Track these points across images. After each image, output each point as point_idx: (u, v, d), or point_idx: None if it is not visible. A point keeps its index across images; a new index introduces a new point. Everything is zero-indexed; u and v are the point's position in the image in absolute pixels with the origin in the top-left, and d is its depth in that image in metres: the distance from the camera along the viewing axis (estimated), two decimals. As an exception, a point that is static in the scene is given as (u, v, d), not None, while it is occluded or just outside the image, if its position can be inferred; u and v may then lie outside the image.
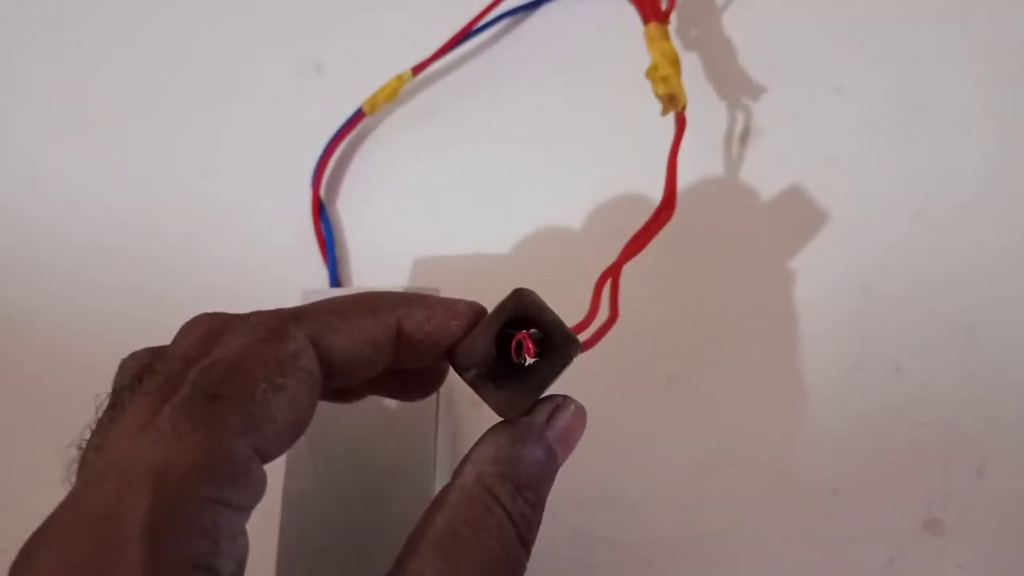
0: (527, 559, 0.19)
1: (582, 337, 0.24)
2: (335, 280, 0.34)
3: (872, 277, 0.33)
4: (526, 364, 0.19)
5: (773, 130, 0.36)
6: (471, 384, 0.20)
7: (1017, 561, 0.29)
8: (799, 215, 0.34)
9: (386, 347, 0.19)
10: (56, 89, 0.42)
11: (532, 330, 0.19)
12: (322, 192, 0.37)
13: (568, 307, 0.33)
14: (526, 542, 0.19)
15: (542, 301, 0.20)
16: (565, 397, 0.21)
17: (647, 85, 0.37)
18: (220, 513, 0.15)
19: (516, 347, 0.19)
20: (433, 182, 0.37)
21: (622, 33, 0.39)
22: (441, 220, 0.36)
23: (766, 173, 0.35)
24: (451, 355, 0.19)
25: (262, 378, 0.16)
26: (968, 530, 0.29)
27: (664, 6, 0.36)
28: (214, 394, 0.16)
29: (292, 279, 0.34)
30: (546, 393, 0.20)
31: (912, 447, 0.30)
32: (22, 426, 0.35)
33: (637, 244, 0.30)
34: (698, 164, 0.36)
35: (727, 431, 0.31)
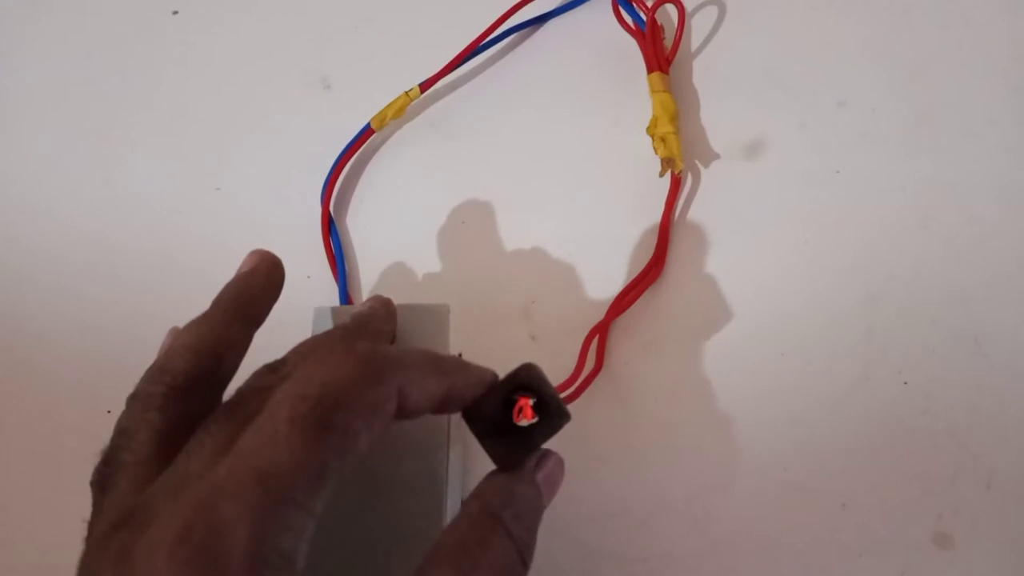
0: (527, 574, 0.22)
1: (569, 391, 0.30)
2: (345, 294, 0.34)
3: (879, 289, 0.33)
4: (523, 426, 0.23)
5: (778, 144, 0.36)
6: (477, 436, 0.23)
7: (1027, 575, 0.29)
8: (805, 228, 0.34)
9: (438, 403, 0.22)
10: (70, 105, 0.42)
11: (532, 400, 0.23)
12: (331, 208, 0.37)
13: (573, 313, 0.33)
14: (525, 562, 0.22)
15: (544, 376, 0.23)
16: (548, 450, 0.24)
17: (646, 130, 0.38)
18: (306, 517, 0.18)
19: (518, 411, 0.23)
20: (441, 197, 0.37)
21: (627, 48, 0.39)
22: (449, 235, 0.36)
23: (772, 185, 0.35)
24: (466, 411, 0.23)
25: (362, 415, 0.19)
26: (977, 543, 0.29)
27: (668, 52, 0.37)
28: (326, 424, 0.18)
29: (302, 294, 0.34)
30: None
31: (920, 460, 0.30)
32: (37, 436, 0.35)
33: (624, 302, 0.33)
34: (705, 176, 0.36)
35: (735, 445, 0.31)
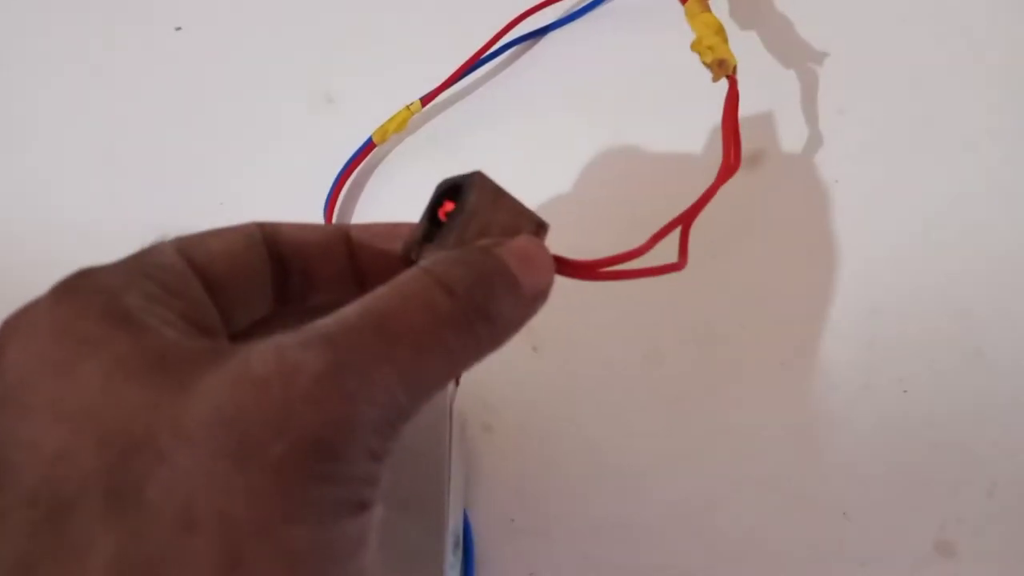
0: (473, 333, 0.17)
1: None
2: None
3: (879, 298, 0.33)
4: (446, 218, 0.20)
5: (778, 153, 0.36)
6: (415, 259, 0.20)
7: (1030, 583, 0.29)
8: (805, 238, 0.35)
9: (335, 245, 0.20)
10: (72, 120, 0.42)
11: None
12: (334, 221, 0.37)
13: (576, 320, 0.33)
14: (467, 310, 0.17)
15: (467, 175, 0.20)
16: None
17: (655, 109, 0.38)
18: (152, 296, 0.18)
19: (443, 213, 0.20)
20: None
21: (627, 59, 0.39)
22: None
23: (771, 196, 0.36)
24: (403, 250, 0.20)
25: (192, 240, 0.19)
26: (980, 552, 0.29)
27: None
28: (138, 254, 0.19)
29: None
30: None
31: (922, 468, 0.30)
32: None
33: (707, 195, 0.29)
34: (702, 187, 0.36)
35: (737, 455, 0.31)
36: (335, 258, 0.20)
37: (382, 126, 0.38)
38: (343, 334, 0.16)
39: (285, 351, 0.15)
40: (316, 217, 0.37)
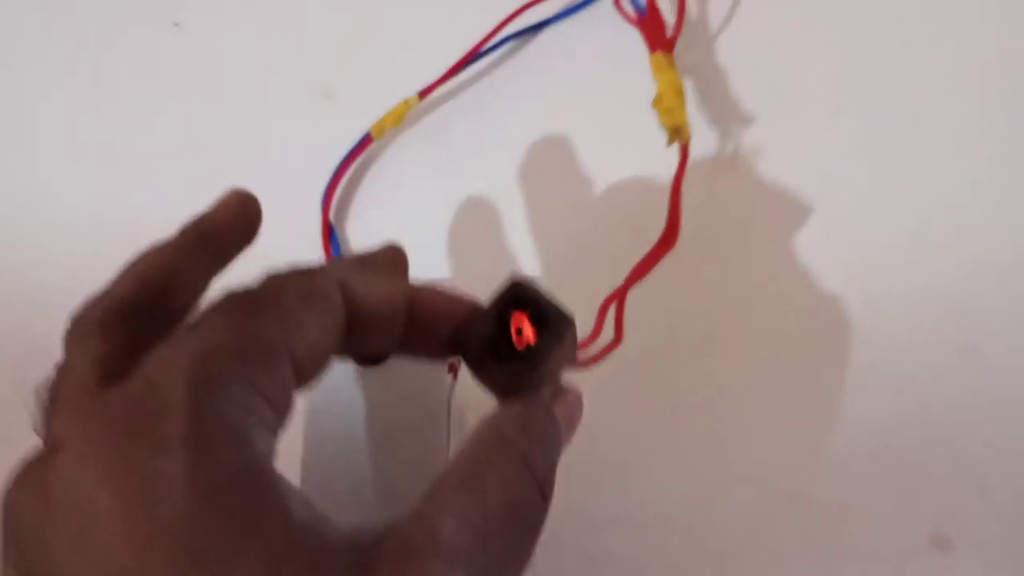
0: (546, 513, 0.19)
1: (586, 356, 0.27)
2: (344, 302, 0.34)
3: (874, 297, 0.33)
4: (524, 345, 0.20)
5: (772, 152, 0.36)
6: (473, 367, 0.20)
7: (1027, 577, 0.29)
8: (799, 237, 0.34)
9: (400, 311, 0.20)
10: (70, 118, 0.42)
11: (529, 314, 0.20)
12: (332, 216, 0.37)
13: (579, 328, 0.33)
14: (545, 496, 0.19)
15: (537, 286, 0.21)
16: (564, 385, 0.22)
17: (640, 104, 0.38)
18: (252, 393, 0.16)
19: (516, 330, 0.20)
20: (441, 205, 0.37)
21: (625, 54, 0.39)
22: (449, 242, 0.36)
23: (765, 195, 0.35)
24: (457, 337, 0.21)
25: (294, 295, 0.18)
26: (976, 546, 0.29)
27: (669, 34, 0.37)
28: (257, 306, 0.17)
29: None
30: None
31: (917, 465, 0.30)
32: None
33: (640, 271, 0.32)
34: (698, 186, 0.36)
35: (734, 452, 0.31)
36: (397, 320, 0.20)
37: (379, 120, 0.38)
38: (474, 554, 0.17)
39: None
40: (313, 211, 0.37)
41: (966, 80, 0.36)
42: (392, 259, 0.22)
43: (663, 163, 0.36)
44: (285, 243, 0.37)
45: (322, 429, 0.30)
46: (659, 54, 0.36)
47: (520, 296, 0.21)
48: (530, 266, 0.36)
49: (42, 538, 0.15)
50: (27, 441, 0.34)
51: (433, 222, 0.37)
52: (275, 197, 0.38)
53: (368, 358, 0.22)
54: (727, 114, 0.37)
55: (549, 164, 0.38)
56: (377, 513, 0.26)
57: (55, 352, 0.18)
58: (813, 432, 0.31)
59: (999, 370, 0.31)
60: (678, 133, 0.34)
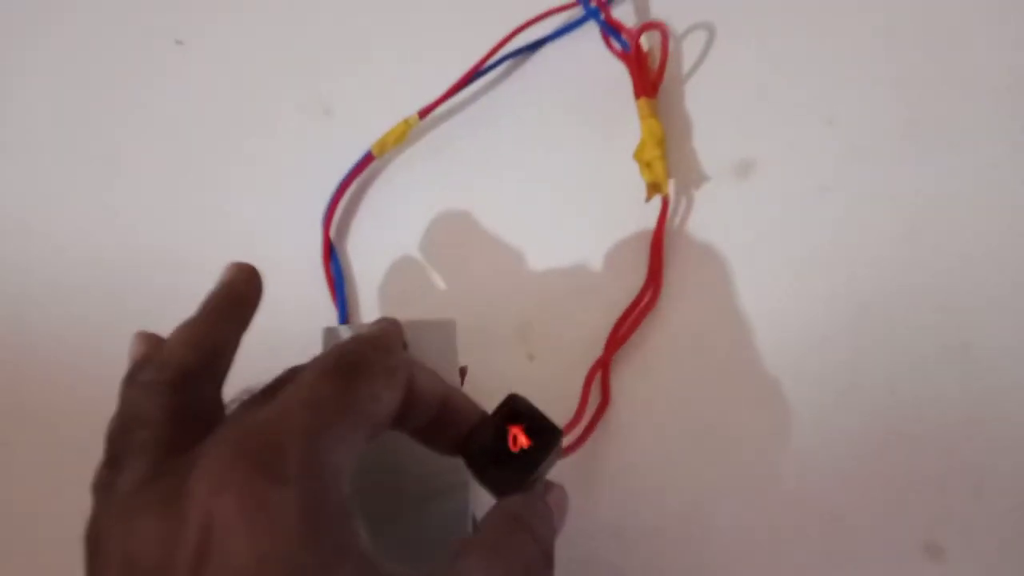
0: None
1: (577, 432, 0.31)
2: (344, 319, 0.35)
3: (867, 300, 0.33)
4: (520, 452, 0.24)
5: (767, 161, 0.37)
6: (477, 472, 0.24)
7: (1017, 583, 0.29)
8: (795, 242, 0.35)
9: (437, 405, 0.24)
10: (73, 133, 0.43)
11: (524, 425, 0.24)
12: (332, 233, 0.38)
13: (571, 333, 0.34)
14: (550, 560, 0.23)
15: (529, 402, 0.25)
16: (551, 482, 0.25)
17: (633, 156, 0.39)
18: (345, 444, 0.20)
19: (512, 439, 0.24)
20: (440, 222, 0.38)
21: (620, 72, 0.40)
22: (448, 259, 0.37)
23: (761, 203, 0.36)
24: (463, 449, 0.24)
25: (381, 375, 0.21)
26: (968, 552, 0.30)
27: (652, 77, 0.38)
28: (352, 373, 0.21)
29: (303, 319, 0.35)
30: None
31: (910, 469, 0.31)
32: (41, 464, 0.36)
33: (621, 335, 0.34)
34: (696, 193, 0.37)
35: (728, 459, 0.32)
36: (432, 411, 0.24)
37: (381, 139, 0.38)
38: None
39: None
40: (314, 228, 0.38)
41: (957, 85, 0.37)
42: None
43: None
44: (287, 260, 0.38)
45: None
46: (643, 100, 0.38)
47: (516, 410, 0.24)
48: (529, 279, 0.36)
49: (166, 543, 0.18)
50: (28, 441, 0.34)
51: (433, 239, 0.37)
52: (277, 215, 0.39)
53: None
54: (720, 124, 0.38)
55: (547, 181, 0.38)
56: (400, 524, 0.27)
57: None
58: (806, 437, 0.32)
59: (993, 371, 0.32)
60: (657, 188, 0.36)
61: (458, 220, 0.38)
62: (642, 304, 0.34)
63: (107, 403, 0.22)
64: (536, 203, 0.38)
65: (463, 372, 0.30)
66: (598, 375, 0.33)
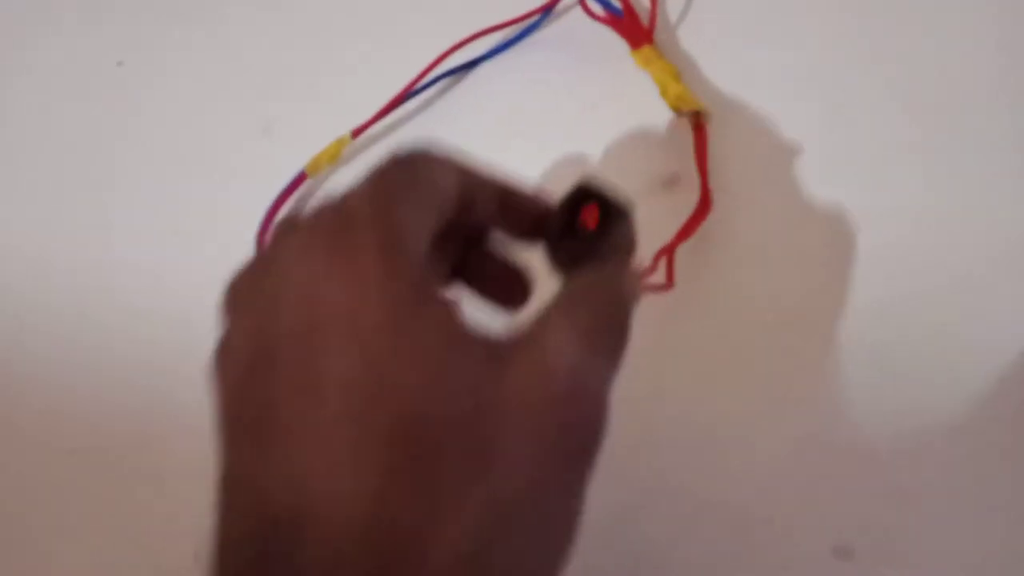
0: (630, 324, 0.23)
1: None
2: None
3: (788, 314, 0.34)
4: (591, 231, 0.25)
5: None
6: (549, 248, 0.25)
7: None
8: (724, 254, 0.36)
9: (493, 201, 0.25)
10: (15, 148, 0.44)
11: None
12: (267, 252, 0.38)
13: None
14: (628, 313, 0.23)
15: (600, 184, 0.25)
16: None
17: (586, 137, 0.39)
18: (420, 226, 0.21)
19: (585, 221, 0.25)
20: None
21: (556, 89, 0.41)
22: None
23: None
24: (536, 227, 0.25)
25: (433, 158, 0.23)
26: (878, 556, 0.30)
27: (646, 24, 0.39)
28: (416, 165, 0.23)
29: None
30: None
31: (822, 474, 0.31)
32: None
33: (687, 232, 0.34)
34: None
35: (655, 467, 0.32)
36: (491, 208, 0.25)
37: (315, 158, 0.39)
38: (584, 335, 0.21)
39: (573, 360, 0.20)
40: (248, 246, 0.38)
41: (888, 100, 0.38)
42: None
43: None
44: (219, 277, 0.38)
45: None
46: (645, 48, 0.38)
47: (586, 192, 0.25)
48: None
49: (274, 295, 0.20)
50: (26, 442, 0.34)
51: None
52: (212, 231, 0.39)
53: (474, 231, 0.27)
54: (654, 137, 0.39)
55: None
56: None
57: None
58: (723, 444, 0.32)
59: (906, 377, 0.33)
60: (698, 116, 0.37)
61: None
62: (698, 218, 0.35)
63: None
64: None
65: None
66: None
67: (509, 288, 0.27)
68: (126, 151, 0.43)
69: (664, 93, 0.37)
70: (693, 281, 0.34)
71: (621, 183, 0.36)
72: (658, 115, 0.39)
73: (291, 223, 0.22)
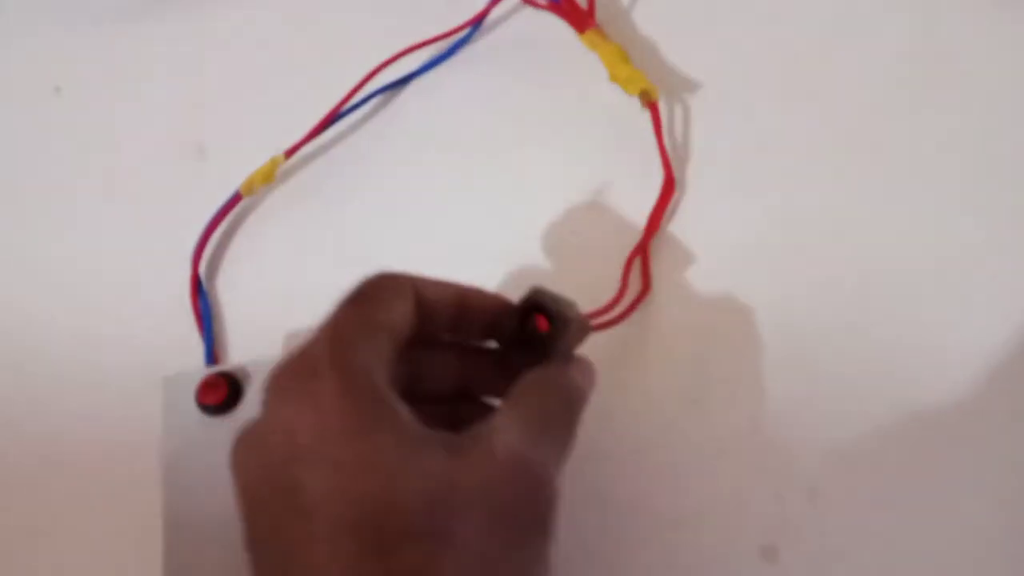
0: (581, 411, 0.27)
1: (616, 311, 0.33)
2: (211, 355, 0.36)
3: (713, 318, 0.35)
4: (542, 334, 0.28)
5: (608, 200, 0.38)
6: (503, 349, 0.29)
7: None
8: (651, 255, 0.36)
9: (450, 304, 0.27)
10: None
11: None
12: (201, 272, 0.39)
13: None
14: (583, 398, 0.27)
15: (551, 292, 0.28)
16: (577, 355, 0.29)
17: (519, 148, 0.40)
18: (373, 348, 0.24)
19: (536, 326, 0.28)
20: (309, 259, 0.39)
21: (486, 104, 0.42)
22: (316, 296, 0.37)
23: (593, 239, 0.38)
24: (489, 328, 0.29)
25: (389, 292, 0.26)
26: (802, 556, 0.31)
27: (584, 5, 0.41)
28: (361, 298, 0.26)
29: (169, 356, 0.36)
30: None
31: (746, 476, 0.32)
32: None
33: (654, 223, 0.36)
34: (574, 218, 0.38)
35: (579, 470, 0.33)
36: (449, 309, 0.28)
37: (249, 178, 0.39)
38: (530, 421, 0.25)
39: (516, 447, 0.24)
40: (184, 266, 0.38)
41: (803, 104, 0.39)
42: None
43: (536, 204, 0.38)
44: (156, 295, 0.38)
45: (181, 482, 0.31)
46: (590, 31, 0.40)
47: (535, 303, 0.28)
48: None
49: (264, 440, 0.23)
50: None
51: (301, 276, 0.38)
52: (148, 253, 0.40)
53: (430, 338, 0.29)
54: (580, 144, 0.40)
55: (417, 216, 0.39)
56: None
57: None
58: (647, 446, 0.33)
59: (826, 380, 0.33)
60: (647, 95, 0.38)
61: (326, 256, 0.39)
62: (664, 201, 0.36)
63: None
64: (406, 239, 0.39)
65: None
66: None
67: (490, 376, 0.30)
68: (62, 174, 0.43)
69: (614, 76, 0.38)
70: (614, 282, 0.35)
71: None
72: (601, 116, 0.40)
73: (271, 380, 0.25)
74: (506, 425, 0.24)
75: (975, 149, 0.37)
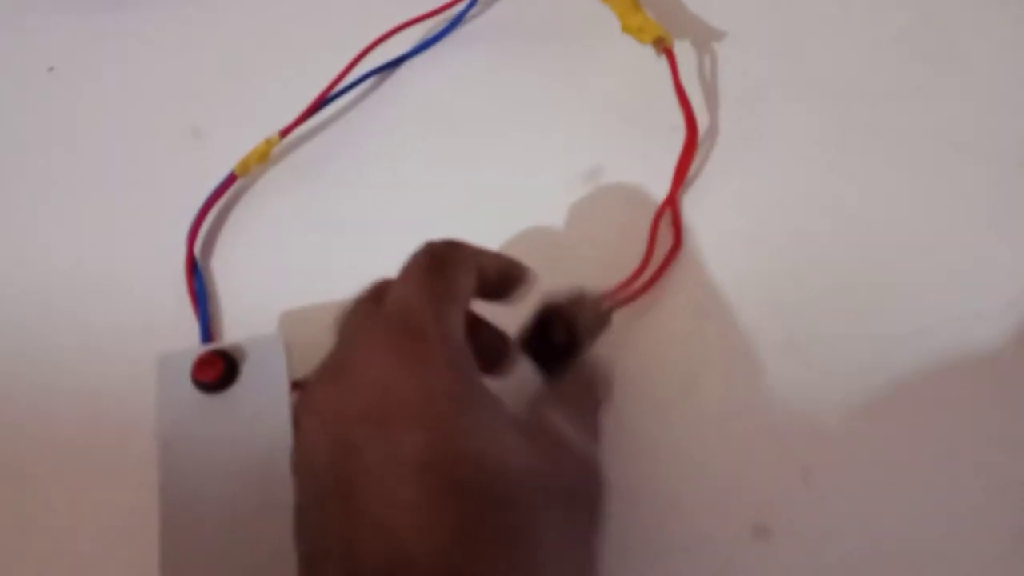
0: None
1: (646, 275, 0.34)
2: (206, 334, 0.36)
3: (706, 303, 0.35)
4: (558, 343, 0.30)
5: (617, 173, 0.39)
6: (534, 353, 0.30)
7: (843, 563, 0.31)
8: (638, 251, 0.37)
9: (497, 277, 0.29)
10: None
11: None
12: (197, 252, 0.38)
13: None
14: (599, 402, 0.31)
15: (563, 302, 0.30)
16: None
17: (509, 129, 0.40)
18: (457, 312, 0.26)
19: (552, 335, 0.30)
20: (304, 239, 0.39)
21: (479, 83, 0.42)
22: (311, 275, 0.38)
23: (609, 211, 0.38)
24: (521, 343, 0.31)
25: (466, 258, 0.27)
26: (795, 535, 0.31)
27: None
28: (452, 265, 0.27)
29: (165, 335, 0.36)
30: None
31: (740, 456, 0.32)
32: None
33: (683, 172, 0.36)
34: (568, 195, 0.38)
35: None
36: (494, 282, 0.29)
37: (243, 159, 0.39)
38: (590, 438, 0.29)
39: (582, 446, 0.27)
40: (180, 247, 0.38)
41: (797, 93, 0.39)
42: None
43: (532, 182, 0.38)
44: (151, 275, 0.38)
45: (177, 462, 0.31)
46: None
47: (550, 313, 0.30)
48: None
49: (351, 390, 0.24)
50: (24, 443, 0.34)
51: (296, 255, 0.38)
52: (144, 233, 0.40)
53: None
54: (569, 139, 0.40)
55: (411, 196, 0.39)
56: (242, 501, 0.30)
57: None
58: (641, 428, 0.33)
59: (818, 365, 0.34)
60: (662, 42, 0.37)
61: (321, 236, 0.39)
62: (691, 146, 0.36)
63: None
64: (399, 219, 0.39)
65: (295, 386, 0.32)
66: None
67: (496, 353, 0.31)
68: (58, 155, 0.43)
69: (626, 27, 0.38)
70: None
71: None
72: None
73: (352, 323, 0.27)
74: (564, 420, 0.27)
75: None
